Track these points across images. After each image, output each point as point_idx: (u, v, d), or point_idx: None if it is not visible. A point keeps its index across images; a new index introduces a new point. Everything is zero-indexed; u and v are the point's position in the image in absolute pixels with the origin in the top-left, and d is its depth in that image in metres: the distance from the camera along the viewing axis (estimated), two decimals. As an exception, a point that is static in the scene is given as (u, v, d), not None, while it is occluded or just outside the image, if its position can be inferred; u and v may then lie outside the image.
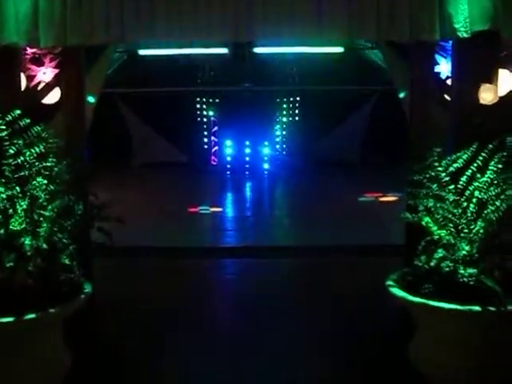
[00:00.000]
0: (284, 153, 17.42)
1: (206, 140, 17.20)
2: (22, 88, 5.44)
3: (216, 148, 17.27)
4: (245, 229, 10.32)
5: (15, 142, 3.93)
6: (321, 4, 4.74)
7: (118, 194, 5.72)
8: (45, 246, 3.85)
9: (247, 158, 17.07)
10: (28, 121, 4.01)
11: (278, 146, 17.41)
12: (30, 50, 5.93)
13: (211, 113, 17.22)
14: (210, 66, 15.95)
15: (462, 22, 4.54)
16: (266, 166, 17.09)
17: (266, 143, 17.16)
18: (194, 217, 10.95)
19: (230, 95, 16.40)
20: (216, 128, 17.23)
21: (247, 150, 17.05)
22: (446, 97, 6.10)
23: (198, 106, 17.24)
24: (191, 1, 4.71)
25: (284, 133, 17.47)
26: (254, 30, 4.80)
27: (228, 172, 16.85)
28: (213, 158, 17.27)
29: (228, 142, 17.08)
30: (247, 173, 16.74)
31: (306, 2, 4.74)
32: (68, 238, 3.99)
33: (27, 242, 3.79)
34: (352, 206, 11.59)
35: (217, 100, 17.05)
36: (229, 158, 17.10)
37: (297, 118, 17.41)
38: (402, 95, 9.02)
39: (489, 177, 3.97)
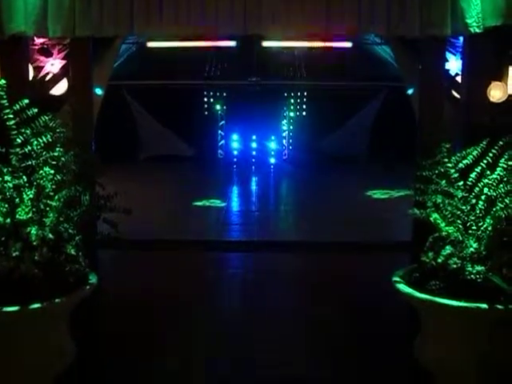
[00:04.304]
0: (290, 147, 17.39)
1: (212, 134, 17.18)
2: (30, 78, 5.44)
3: (223, 142, 17.26)
4: (250, 223, 10.31)
5: (23, 131, 3.92)
6: (330, -2, 4.70)
7: (124, 186, 5.69)
8: (51, 235, 3.84)
9: (254, 152, 17.05)
10: (36, 110, 3.99)
11: (284, 141, 17.38)
12: (38, 41, 5.93)
13: (218, 106, 17.20)
14: (218, 59, 15.92)
15: (474, 17, 4.49)
16: (272, 160, 17.06)
17: (273, 138, 17.13)
18: (199, 210, 10.95)
19: (237, 89, 16.37)
20: (223, 122, 17.22)
21: (254, 144, 17.03)
22: (455, 94, 6.07)
23: (206, 99, 17.23)
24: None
25: (291, 127, 17.44)
26: (262, 24, 4.77)
27: (234, 166, 16.84)
28: (219, 151, 17.26)
29: (235, 136, 17.06)
30: (253, 167, 16.72)
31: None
32: (74, 229, 3.98)
33: (33, 231, 3.78)
34: (359, 202, 11.56)
35: (224, 94, 17.03)
36: (235, 152, 17.09)
37: (304, 113, 17.37)
38: (410, 91, 8.99)
39: (498, 174, 3.93)
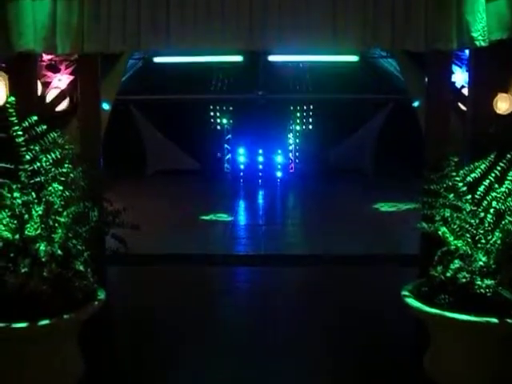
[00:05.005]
0: (297, 161, 17.40)
1: (219, 147, 17.22)
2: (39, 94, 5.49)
3: (229, 156, 17.29)
4: (257, 237, 10.30)
5: (32, 147, 3.95)
6: (336, 13, 4.73)
7: (131, 201, 5.71)
8: (59, 251, 3.86)
9: (260, 166, 17.06)
10: (45, 127, 4.02)
11: (291, 154, 17.40)
12: (46, 57, 5.98)
13: (225, 120, 17.26)
14: (224, 73, 15.98)
15: (479, 31, 4.50)
16: (278, 174, 17.08)
17: (279, 151, 17.15)
18: (206, 224, 10.95)
19: (243, 103, 16.40)
20: (229, 136, 17.27)
21: (260, 158, 17.05)
22: (461, 106, 6.07)
23: (212, 113, 17.29)
24: (206, 9, 4.73)
25: (297, 141, 17.47)
26: (268, 38, 4.80)
27: (241, 180, 16.86)
28: (226, 165, 17.30)
29: (241, 150, 17.09)
30: (260, 181, 16.73)
31: (321, 11, 4.74)
32: (83, 245, 4.00)
33: (42, 247, 3.80)
34: (366, 215, 11.53)
35: (230, 108, 17.08)
36: (242, 166, 17.12)
37: (310, 127, 17.41)
38: (416, 104, 8.98)
39: (507, 187, 3.93)
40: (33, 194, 3.92)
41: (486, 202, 3.97)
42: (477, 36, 4.54)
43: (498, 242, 3.87)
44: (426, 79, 5.37)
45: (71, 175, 4.06)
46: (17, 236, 3.85)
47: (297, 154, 17.45)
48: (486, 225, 3.93)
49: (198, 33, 4.75)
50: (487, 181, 3.99)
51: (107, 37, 4.70)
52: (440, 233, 4.06)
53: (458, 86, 6.68)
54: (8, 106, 3.91)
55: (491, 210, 3.93)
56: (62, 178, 4.02)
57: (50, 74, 6.33)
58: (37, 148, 3.97)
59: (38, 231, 3.86)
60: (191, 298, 6.58)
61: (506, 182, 3.95)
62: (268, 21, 4.74)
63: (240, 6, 4.69)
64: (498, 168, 3.99)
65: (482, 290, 3.79)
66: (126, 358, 5.13)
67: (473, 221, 3.96)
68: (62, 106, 6.30)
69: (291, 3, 4.70)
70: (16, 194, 3.88)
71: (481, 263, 3.87)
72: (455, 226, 4.01)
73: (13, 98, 3.94)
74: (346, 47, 5.12)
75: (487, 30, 4.54)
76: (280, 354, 5.16)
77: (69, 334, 3.98)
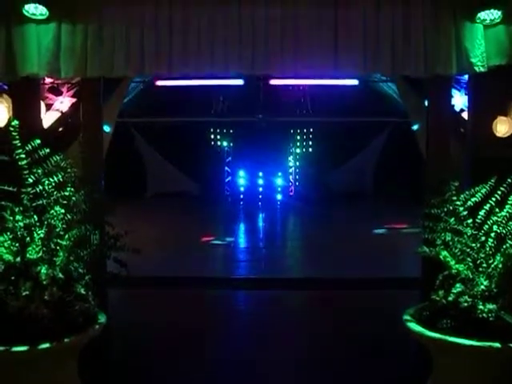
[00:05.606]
0: (297, 183, 17.45)
1: (219, 170, 17.28)
2: (42, 116, 5.54)
3: (229, 178, 17.33)
4: (258, 260, 10.28)
5: (34, 170, 3.96)
6: (337, 39, 4.79)
7: (131, 223, 5.71)
8: (61, 275, 3.85)
9: (260, 189, 17.10)
10: (48, 150, 4.03)
11: (291, 177, 17.45)
12: (48, 80, 6.04)
13: (225, 143, 17.34)
14: (225, 96, 16.10)
15: (478, 57, 4.57)
16: (279, 196, 17.10)
17: (279, 174, 17.20)
18: (206, 247, 10.94)
19: (243, 126, 16.51)
20: (229, 158, 17.33)
21: (260, 181, 17.09)
22: (461, 129, 6.12)
23: (212, 136, 17.39)
24: (209, 35, 4.78)
25: (297, 164, 17.53)
26: (270, 64, 4.85)
27: (241, 202, 16.88)
28: (226, 188, 17.33)
29: (241, 173, 17.14)
30: (260, 203, 16.75)
31: (322, 37, 4.80)
32: (84, 268, 3.99)
33: (43, 270, 3.79)
34: (365, 238, 11.53)
35: (231, 130, 17.19)
36: (242, 189, 17.15)
37: (310, 150, 17.49)
38: (415, 127, 9.04)
39: (508, 211, 3.93)
40: (35, 216, 3.92)
41: (486, 226, 3.97)
42: (476, 61, 4.60)
43: (500, 266, 3.86)
44: (426, 103, 5.41)
45: (73, 198, 4.06)
46: (18, 259, 3.84)
47: (297, 176, 17.51)
48: (487, 249, 3.93)
49: (200, 59, 4.81)
50: (488, 205, 4.00)
51: (110, 61, 4.75)
52: (441, 257, 4.05)
53: (457, 109, 6.74)
54: (11, 129, 3.93)
55: (492, 234, 3.93)
56: (64, 202, 4.02)
57: (52, 96, 6.41)
58: (39, 171, 3.98)
59: (40, 254, 3.86)
60: (192, 321, 6.55)
61: (507, 206, 3.95)
62: (270, 47, 4.79)
63: (243, 32, 4.76)
64: (499, 192, 4.00)
65: (484, 315, 3.77)
66: (125, 382, 5.09)
67: (474, 245, 3.96)
68: (60, 127, 6.37)
69: (293, 30, 4.77)
70: (18, 217, 3.89)
71: (482, 287, 3.86)
72: (456, 250, 4.00)
73: (16, 122, 3.96)
74: (347, 73, 5.19)
75: (486, 55, 4.60)
76: (280, 380, 5.13)
77: (69, 357, 3.95)
